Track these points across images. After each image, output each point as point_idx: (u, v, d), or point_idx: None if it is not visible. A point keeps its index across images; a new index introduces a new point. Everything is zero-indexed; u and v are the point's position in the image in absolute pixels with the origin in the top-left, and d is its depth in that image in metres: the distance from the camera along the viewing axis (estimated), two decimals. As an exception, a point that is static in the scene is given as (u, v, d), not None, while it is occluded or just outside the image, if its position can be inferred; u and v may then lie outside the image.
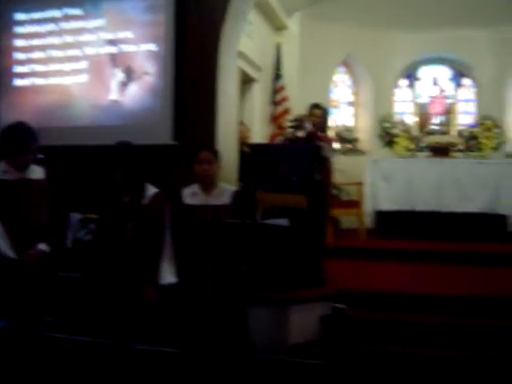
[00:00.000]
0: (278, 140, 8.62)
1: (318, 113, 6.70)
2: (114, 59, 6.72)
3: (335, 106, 11.62)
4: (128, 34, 6.67)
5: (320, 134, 6.65)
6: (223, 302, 4.47)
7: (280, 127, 8.81)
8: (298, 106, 8.90)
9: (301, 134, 6.66)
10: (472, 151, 10.38)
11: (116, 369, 3.11)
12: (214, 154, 4.70)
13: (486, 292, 6.04)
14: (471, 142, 10.49)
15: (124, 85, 6.66)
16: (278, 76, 9.46)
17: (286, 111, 9.12)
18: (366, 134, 11.53)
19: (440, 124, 11.14)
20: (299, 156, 5.83)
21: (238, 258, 4.24)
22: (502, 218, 8.94)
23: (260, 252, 4.04)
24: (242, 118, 8.24)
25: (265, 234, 3.89)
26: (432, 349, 5.25)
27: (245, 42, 7.70)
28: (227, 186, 4.80)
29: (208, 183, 4.58)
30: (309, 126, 6.63)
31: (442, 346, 5.28)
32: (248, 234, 3.90)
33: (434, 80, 11.89)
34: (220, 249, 4.12)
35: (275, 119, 9.23)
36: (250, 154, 6.28)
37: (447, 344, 5.29)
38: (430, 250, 7.84)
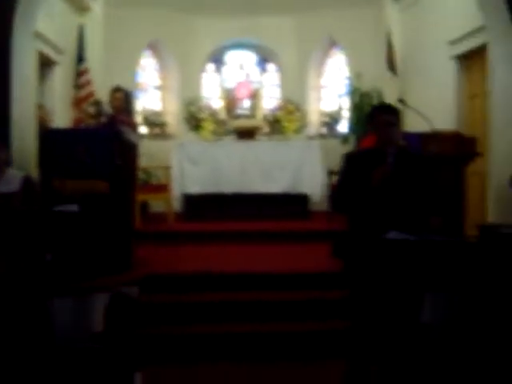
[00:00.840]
0: (82, 125, 8.38)
1: (119, 96, 6.57)
2: None
3: (142, 90, 11.51)
4: None
5: (122, 117, 6.54)
6: (21, 294, 4.29)
7: (83, 111, 8.57)
8: (103, 89, 8.68)
9: (103, 119, 6.51)
10: (276, 134, 10.73)
11: None
12: (1, 140, 4.47)
13: (289, 268, 6.34)
14: (275, 125, 10.84)
15: None
16: (81, 59, 9.18)
17: (90, 95, 8.89)
18: (173, 118, 11.54)
19: (246, 108, 11.41)
20: (99, 141, 5.72)
21: (33, 246, 4.09)
22: (303, 197, 9.38)
23: (52, 239, 3.92)
24: (42, 101, 7.91)
25: (54, 221, 3.78)
26: (242, 325, 5.43)
27: (44, 22, 7.37)
28: (17, 172, 4.59)
29: (-6, 171, 4.36)
30: (108, 110, 6.49)
31: (252, 321, 5.48)
32: (38, 221, 3.77)
33: (240, 65, 12.15)
34: (11, 238, 3.94)
35: (79, 103, 8.96)
36: (50, 139, 6.06)
37: (256, 319, 5.49)
38: (236, 231, 8.05)
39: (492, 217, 6.67)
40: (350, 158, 3.94)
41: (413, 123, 7.39)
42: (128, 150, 6.34)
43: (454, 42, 7.96)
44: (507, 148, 6.27)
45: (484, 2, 6.66)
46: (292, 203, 9.33)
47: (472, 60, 7.80)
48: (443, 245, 3.37)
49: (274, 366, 4.95)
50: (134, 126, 6.83)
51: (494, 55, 6.70)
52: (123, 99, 6.57)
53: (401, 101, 6.12)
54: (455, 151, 5.77)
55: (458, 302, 5.11)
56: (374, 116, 3.87)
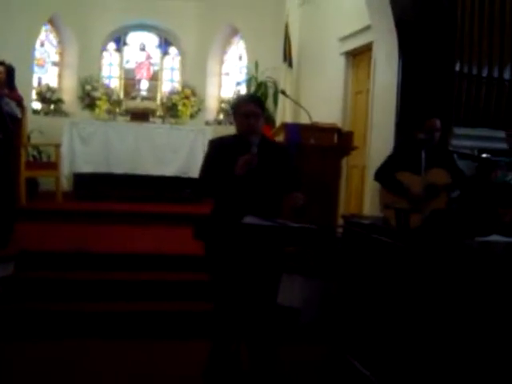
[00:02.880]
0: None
1: (1, 70, 6.45)
2: None
3: (41, 65, 11.30)
4: None
5: (3, 91, 6.41)
6: None
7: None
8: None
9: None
10: (171, 118, 10.79)
11: None
12: None
13: (168, 249, 6.45)
14: (171, 108, 10.90)
15: None
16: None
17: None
18: (70, 95, 11.37)
19: (145, 90, 11.43)
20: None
21: None
22: (195, 182, 9.42)
23: None
24: None
25: None
26: (123, 304, 5.48)
27: None
28: None
29: None
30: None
31: (132, 300, 5.54)
32: None
33: (142, 46, 12.09)
34: None
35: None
36: None
37: (136, 299, 5.57)
38: (123, 211, 8.08)
39: (367, 208, 7.00)
40: (214, 144, 4.04)
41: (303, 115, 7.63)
42: (9, 124, 6.22)
43: (343, 39, 8.25)
44: (383, 143, 6.58)
45: (371, 2, 6.94)
46: (183, 187, 9.41)
47: (359, 57, 8.11)
48: (296, 231, 3.54)
49: (144, 343, 5.04)
50: (17, 101, 6.72)
51: (377, 54, 7.01)
52: (5, 73, 6.45)
53: (282, 92, 6.31)
54: (332, 144, 6.01)
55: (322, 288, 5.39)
56: (238, 106, 3.99)
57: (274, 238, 3.58)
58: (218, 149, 3.98)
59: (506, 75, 6.52)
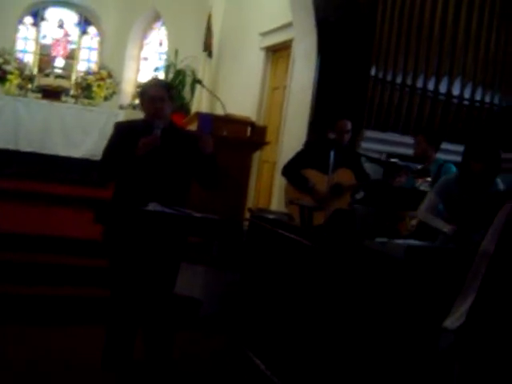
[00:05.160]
0: None
1: None
2: None
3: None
4: None
5: None
6: None
7: None
8: None
9: None
10: (85, 98, 10.53)
11: None
12: None
13: (75, 232, 6.28)
14: (85, 89, 10.63)
15: None
16: None
17: None
18: (-21, 67, 10.90)
19: (61, 68, 11.10)
20: None
21: None
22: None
23: None
24: None
25: None
26: (19, 287, 5.25)
27: None
28: None
29: None
30: None
31: (27, 284, 5.33)
32: None
33: (60, 22, 11.74)
34: None
35: None
36: None
37: (32, 282, 5.36)
38: (25, 191, 7.83)
39: (275, 204, 7.03)
40: (119, 127, 3.95)
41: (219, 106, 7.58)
42: None
43: (265, 34, 8.24)
44: (295, 140, 6.61)
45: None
46: (91, 170, 9.20)
47: (279, 54, 8.13)
48: (199, 221, 3.51)
49: (42, 328, 4.87)
50: None
51: (296, 52, 7.04)
52: None
53: (199, 81, 6.27)
54: (245, 137, 6.01)
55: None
56: (144, 90, 3.90)
57: (177, 227, 3.55)
58: (122, 132, 3.90)
59: (419, 84, 6.68)
